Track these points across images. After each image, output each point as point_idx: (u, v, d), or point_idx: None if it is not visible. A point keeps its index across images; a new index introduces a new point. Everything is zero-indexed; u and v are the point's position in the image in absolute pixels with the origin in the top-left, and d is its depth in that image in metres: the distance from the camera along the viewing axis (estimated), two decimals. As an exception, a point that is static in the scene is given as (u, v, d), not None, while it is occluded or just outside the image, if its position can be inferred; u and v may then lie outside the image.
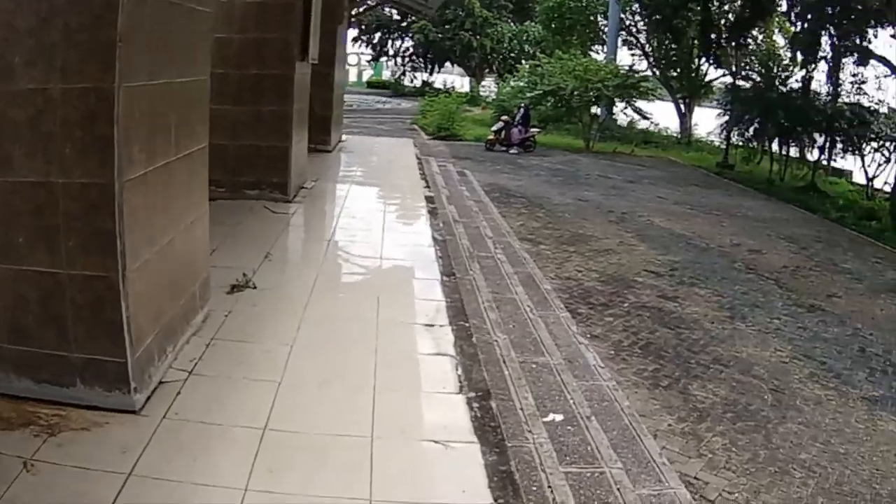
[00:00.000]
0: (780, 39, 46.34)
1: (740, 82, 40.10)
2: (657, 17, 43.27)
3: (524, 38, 69.36)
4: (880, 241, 22.51)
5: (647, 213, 21.16)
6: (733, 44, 41.50)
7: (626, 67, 42.00)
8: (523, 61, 61.47)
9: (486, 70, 75.00)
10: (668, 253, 16.91)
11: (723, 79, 48.78)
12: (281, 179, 16.00)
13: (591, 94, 36.56)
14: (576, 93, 36.34)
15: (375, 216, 16.31)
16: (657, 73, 49.04)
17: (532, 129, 34.35)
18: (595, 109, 39.74)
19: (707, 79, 50.41)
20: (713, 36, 42.13)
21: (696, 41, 47.16)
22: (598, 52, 53.61)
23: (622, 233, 18.42)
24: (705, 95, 51.78)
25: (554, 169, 28.95)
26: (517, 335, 9.98)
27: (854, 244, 21.40)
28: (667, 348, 11.03)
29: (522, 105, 35.35)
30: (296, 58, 15.64)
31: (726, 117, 37.85)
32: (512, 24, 73.10)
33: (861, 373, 11.13)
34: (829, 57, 33.48)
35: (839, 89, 33.47)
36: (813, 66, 33.96)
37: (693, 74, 49.18)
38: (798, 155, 34.93)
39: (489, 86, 72.24)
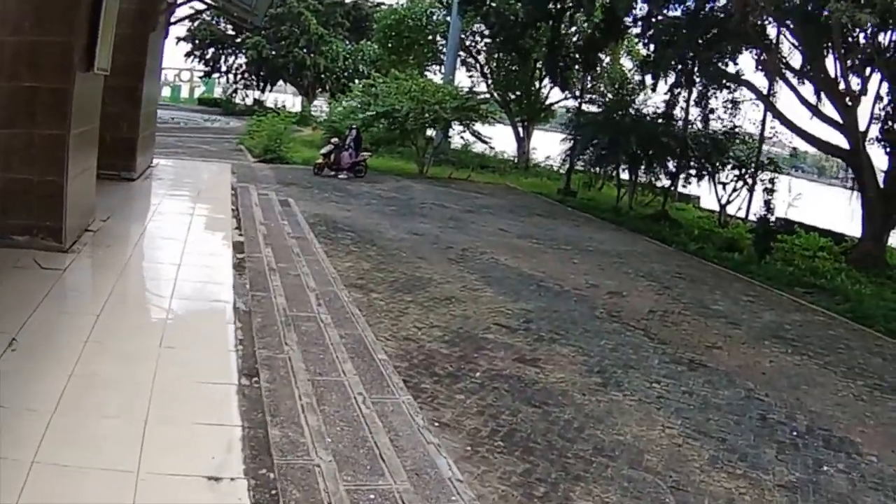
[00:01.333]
0: (627, 62, 46.53)
1: (586, 106, 38.65)
2: (502, 36, 41.08)
3: (359, 56, 67.65)
4: (746, 275, 21.37)
5: (490, 250, 19.41)
6: (579, 66, 39.77)
7: (466, 89, 40.24)
8: (356, 81, 59.97)
9: (320, 89, 72.97)
10: (518, 299, 14.92)
11: (564, 102, 48.24)
12: (55, 223, 12.51)
13: (428, 116, 34.61)
14: (411, 115, 34.37)
15: (166, 276, 12.15)
16: (496, 95, 47.31)
17: (363, 153, 32.40)
18: (430, 132, 37.88)
19: (548, 102, 49.61)
20: (560, 57, 39.97)
21: (538, 63, 46.05)
22: (435, 73, 52.10)
23: (465, 274, 16.44)
24: (545, 119, 50.83)
25: (386, 197, 27.37)
26: (346, 447, 7.19)
27: (720, 280, 20.19)
28: (535, 436, 8.79)
29: (353, 127, 33.29)
30: (76, 67, 12.26)
31: (570, 142, 36.82)
32: (347, 42, 70.70)
33: (768, 450, 9.39)
34: (682, 81, 32.58)
35: (705, 114, 33.03)
36: (678, 91, 32.98)
37: (533, 97, 47.80)
38: (644, 180, 33.85)
39: (321, 105, 70.61)
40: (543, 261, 18.94)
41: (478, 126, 38.42)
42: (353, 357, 9.77)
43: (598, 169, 35.74)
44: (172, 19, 22.23)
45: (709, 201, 35.43)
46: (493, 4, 41.25)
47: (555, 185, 37.42)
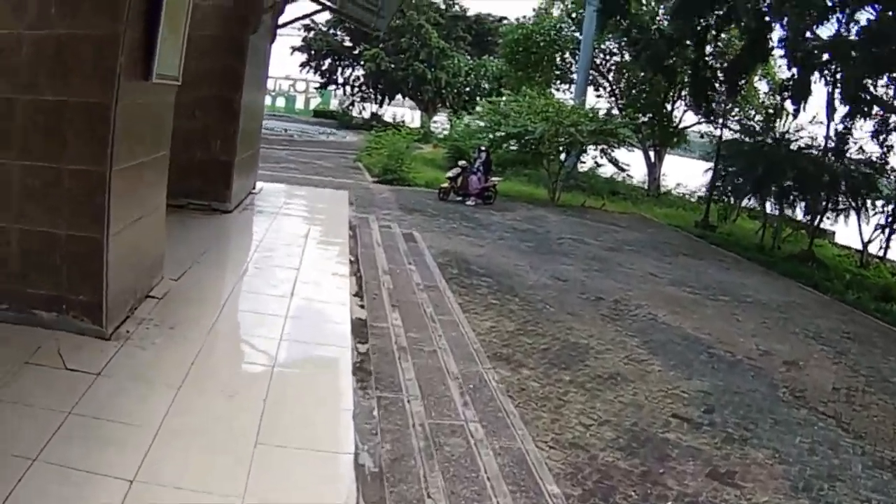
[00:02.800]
0: (762, 86, 44.43)
1: (727, 132, 35.62)
2: (645, 54, 38.16)
3: (482, 72, 65.49)
4: (915, 333, 18.59)
5: (644, 302, 16.82)
6: (724, 89, 36.83)
7: (603, 111, 37.46)
8: (479, 97, 58.20)
9: (439, 105, 70.85)
10: (692, 374, 12.34)
11: (697, 127, 45.71)
12: (91, 296, 8.67)
13: (563, 139, 31.92)
14: (545, 137, 31.89)
15: (251, 393, 8.04)
16: (625, 117, 44.59)
17: (493, 178, 29.98)
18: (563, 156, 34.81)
19: (680, 125, 47.02)
20: (704, 80, 37.07)
21: (670, 84, 43.44)
22: (564, 92, 49.83)
23: (624, 338, 13.83)
24: (678, 143, 47.75)
25: (520, 229, 24.59)
26: None
27: (890, 342, 17.45)
28: None
29: (483, 149, 30.82)
30: (123, 73, 8.33)
31: (713, 171, 34.03)
32: (469, 57, 68.72)
33: None
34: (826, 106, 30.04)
35: (845, 145, 30.06)
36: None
37: (665, 120, 44.85)
38: (779, 212, 31.61)
39: (441, 122, 68.57)
40: (705, 317, 16.48)
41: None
42: (516, 492, 7.20)
43: (736, 200, 33.96)
44: (280, 21, 20.18)
45: (845, 236, 33.64)
46: (638, 17, 38.89)
47: (690, 217, 34.99)
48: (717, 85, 38.08)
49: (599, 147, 34.61)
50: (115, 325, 8.90)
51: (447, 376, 9.77)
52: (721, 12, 32.41)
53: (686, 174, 44.97)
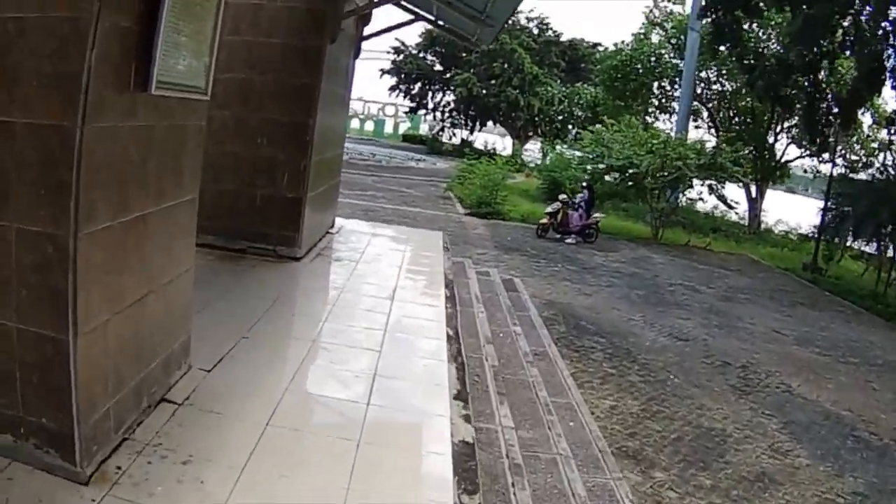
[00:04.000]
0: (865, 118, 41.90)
1: (835, 168, 33.66)
2: (761, 82, 35.96)
3: (575, 100, 63.24)
4: None
5: (774, 368, 15.07)
6: (838, 122, 34.56)
7: (710, 143, 35.31)
8: (571, 126, 59.07)
9: (531, 132, 69.08)
10: (842, 470, 10.60)
11: (800, 161, 44.78)
12: (56, 422, 5.63)
13: (670, 173, 29.87)
14: (650, 171, 30.10)
15: None
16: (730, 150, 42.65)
17: (595, 215, 28.16)
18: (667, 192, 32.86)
19: (783, 159, 45.13)
20: (822, 111, 34.80)
21: (783, 115, 41.55)
22: (660, 121, 48.61)
23: (761, 418, 12.07)
24: (780, 178, 45.68)
25: (626, 273, 22.76)
26: None
27: None
28: None
29: (586, 184, 29.18)
30: (100, 81, 5.19)
31: (828, 210, 31.66)
32: (562, 84, 66.84)
33: None
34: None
35: None
36: None
37: (767, 154, 42.74)
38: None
39: (533, 150, 67.01)
40: (840, 386, 14.68)
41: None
42: None
43: (841, 240, 31.50)
44: (366, 31, 17.67)
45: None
46: (751, 43, 37.12)
47: (796, 257, 32.83)
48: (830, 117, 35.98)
49: (706, 182, 32.49)
50: (96, 459, 5.89)
51: (572, 500, 7.88)
52: (839, 39, 30.31)
53: (787, 210, 43.36)
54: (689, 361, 14.36)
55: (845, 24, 29.38)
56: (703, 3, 33.33)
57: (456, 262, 17.21)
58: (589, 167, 33.92)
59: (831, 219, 30.95)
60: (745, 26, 36.20)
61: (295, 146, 13.97)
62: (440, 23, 18.71)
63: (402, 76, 74.65)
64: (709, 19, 33.57)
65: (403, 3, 17.51)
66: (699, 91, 45.93)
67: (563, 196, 28.91)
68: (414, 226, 24.62)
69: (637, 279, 22.05)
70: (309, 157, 14.05)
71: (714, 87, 46.68)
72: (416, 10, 17.52)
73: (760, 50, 37.49)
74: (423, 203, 32.47)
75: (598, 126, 35.81)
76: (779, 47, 36.66)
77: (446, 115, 76.45)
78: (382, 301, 11.88)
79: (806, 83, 33.45)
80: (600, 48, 67.41)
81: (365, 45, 16.97)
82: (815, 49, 30.39)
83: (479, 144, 70.72)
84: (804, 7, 28.29)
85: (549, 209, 28.05)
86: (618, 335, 15.23)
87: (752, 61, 36.23)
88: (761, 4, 31.16)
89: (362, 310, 11.32)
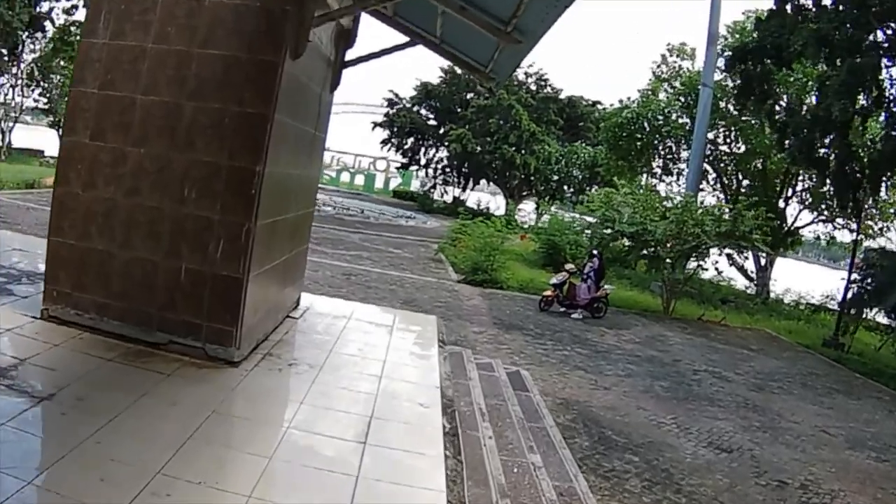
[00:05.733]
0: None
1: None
2: (793, 140, 33.38)
3: (573, 159, 61.18)
4: None
5: (837, 486, 12.75)
6: (868, 186, 31.91)
7: (729, 207, 32.55)
8: (566, 186, 60.31)
9: (525, 192, 67.03)
10: None
11: (813, 227, 43.50)
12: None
13: (687, 241, 27.11)
14: (666, 238, 27.81)
15: None
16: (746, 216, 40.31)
17: (605, 287, 25.59)
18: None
19: (794, 226, 43.54)
20: (855, 174, 32.19)
21: (789, 179, 41.06)
22: (665, 182, 46.99)
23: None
24: (793, 246, 43.86)
25: (644, 357, 20.21)
26: None
27: None
28: None
29: (596, 253, 26.53)
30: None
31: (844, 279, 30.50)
32: (559, 142, 64.76)
33: None
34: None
35: None
36: None
37: (778, 220, 40.26)
38: None
39: (526, 210, 64.91)
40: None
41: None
42: None
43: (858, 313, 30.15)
44: (350, 56, 14.56)
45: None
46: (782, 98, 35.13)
47: (813, 332, 30.93)
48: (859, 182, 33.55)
49: (724, 251, 29.80)
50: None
51: None
52: (874, 94, 27.78)
53: (793, 277, 42.40)
54: (740, 484, 11.83)
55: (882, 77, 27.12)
56: (730, 53, 31.31)
57: (453, 351, 14.45)
58: (589, 232, 32.32)
59: (856, 291, 29.35)
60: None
61: (236, 202, 10.49)
62: (445, 46, 14.86)
63: (395, 130, 73.66)
64: (734, 71, 31.66)
65: (399, 18, 14.46)
66: (707, 152, 43.74)
67: (569, 265, 26.60)
68: (401, 294, 22.71)
69: (657, 365, 19.60)
70: (254, 219, 10.48)
71: (721, 147, 44.35)
72: (416, 27, 14.54)
73: (795, 106, 35.01)
74: (413, 266, 30.46)
75: (606, 188, 33.69)
76: (812, 102, 34.11)
77: (439, 171, 75.18)
78: (349, 450, 8.23)
79: (841, 142, 30.89)
80: (600, 106, 66.25)
81: (356, 96, 14.17)
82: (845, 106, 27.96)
83: (471, 203, 69.82)
84: (848, 57, 25.93)
85: (554, 280, 25.53)
86: (652, 449, 12.59)
87: (785, 118, 33.65)
88: (796, 54, 28.71)
89: (315, 468, 7.69)
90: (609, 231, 29.51)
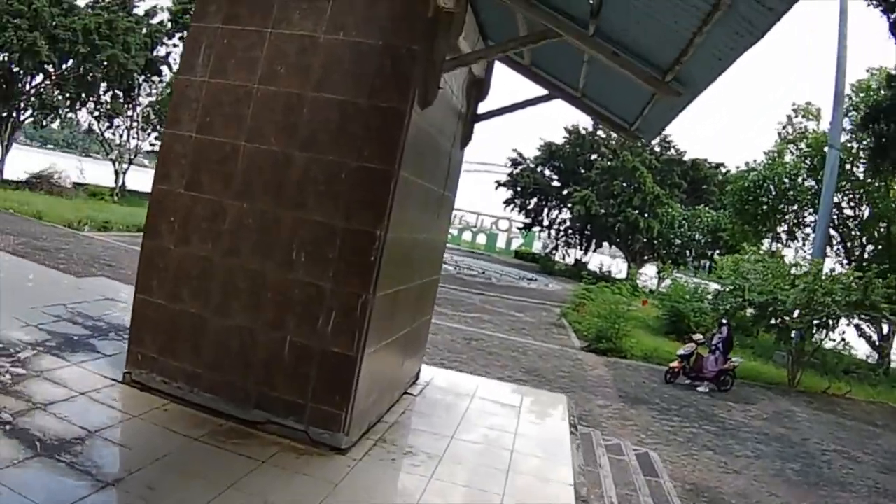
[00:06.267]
0: None
1: None
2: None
3: (696, 223, 60.35)
4: None
5: None
6: None
7: (858, 275, 31.67)
8: (689, 252, 59.52)
9: (647, 256, 66.22)
10: None
11: None
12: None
13: (818, 312, 26.44)
14: (797, 308, 26.88)
15: None
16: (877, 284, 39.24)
17: (733, 360, 24.73)
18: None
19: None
20: None
21: None
22: (789, 248, 45.82)
23: None
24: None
25: (772, 436, 19.35)
26: None
27: None
28: None
29: (725, 322, 25.77)
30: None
31: None
32: (682, 206, 64.29)
33: None
34: None
35: None
36: None
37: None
38: None
39: (647, 274, 64.12)
40: None
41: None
42: None
43: None
44: (482, 108, 13.67)
45: None
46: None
47: None
48: None
49: (852, 322, 29.01)
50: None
51: None
52: None
53: None
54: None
55: None
56: (864, 113, 30.69)
57: (582, 431, 13.73)
58: (711, 299, 31.73)
59: None
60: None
61: (352, 270, 9.55)
62: (587, 101, 13.58)
63: (518, 190, 73.40)
64: (866, 132, 31.00)
65: (536, 68, 13.41)
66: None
67: (697, 336, 25.83)
68: (524, 363, 22.30)
69: (786, 444, 18.76)
70: (372, 290, 9.49)
71: (846, 211, 43.35)
72: (554, 79, 13.45)
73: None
74: (535, 332, 29.90)
75: (735, 255, 33.08)
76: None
77: (561, 233, 74.43)
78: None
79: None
80: (723, 168, 65.27)
81: (482, 154, 13.39)
82: None
83: (592, 266, 68.96)
84: None
85: (681, 351, 24.83)
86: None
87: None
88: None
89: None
90: (737, 300, 28.98)
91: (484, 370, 19.59)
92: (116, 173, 53.32)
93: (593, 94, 13.36)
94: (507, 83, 12.59)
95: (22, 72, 47.14)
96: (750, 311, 29.07)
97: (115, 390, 9.74)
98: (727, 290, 30.52)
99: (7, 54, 45.28)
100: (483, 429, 11.78)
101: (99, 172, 56.18)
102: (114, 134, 56.13)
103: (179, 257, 10.06)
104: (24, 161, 51.03)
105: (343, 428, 9.40)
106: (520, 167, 74.38)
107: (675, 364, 24.32)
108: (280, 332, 9.60)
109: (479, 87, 13.29)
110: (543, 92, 13.56)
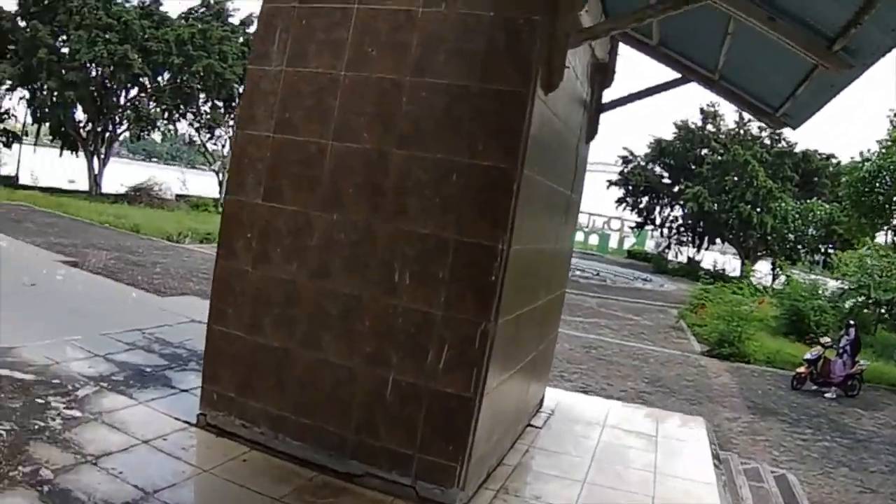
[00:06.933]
0: None
1: None
2: None
3: (809, 217, 58.60)
4: None
5: None
6: None
7: None
8: (801, 246, 58.24)
9: (761, 252, 64.54)
10: None
11: None
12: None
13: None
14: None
15: None
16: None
17: (861, 363, 23.18)
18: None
19: None
20: None
21: None
22: None
23: None
24: None
25: None
26: None
27: None
28: None
29: (852, 323, 24.20)
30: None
31: None
32: (794, 199, 62.51)
33: None
34: None
35: None
36: None
37: None
38: None
39: (760, 271, 62.72)
40: None
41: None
42: None
43: None
44: (605, 97, 12.12)
45: None
46: None
47: None
48: None
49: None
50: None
51: None
52: None
53: None
54: None
55: None
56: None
57: (722, 456, 12.32)
58: (850, 300, 29.96)
59: None
60: None
61: (468, 293, 7.97)
62: (724, 83, 11.89)
63: (630, 188, 72.65)
64: None
65: (665, 48, 11.71)
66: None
67: (826, 339, 24.39)
68: (646, 371, 21.27)
69: None
70: (493, 316, 7.86)
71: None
72: (686, 59, 11.72)
73: None
74: (654, 336, 28.85)
75: (858, 250, 31.74)
76: None
77: (673, 231, 73.29)
78: None
79: None
80: (833, 160, 63.72)
81: (591, 153, 11.90)
82: None
83: (705, 264, 67.59)
84: None
85: (808, 355, 23.31)
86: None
87: None
88: None
89: None
90: (862, 298, 27.70)
91: (606, 382, 18.64)
92: (220, 184, 53.20)
93: (733, 76, 11.56)
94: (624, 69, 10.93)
95: (116, 85, 47.38)
96: (879, 310, 27.74)
97: (185, 436, 8.49)
98: (851, 287, 29.18)
99: (101, 68, 45.53)
100: (618, 467, 10.36)
101: (203, 184, 56.35)
102: (215, 144, 56.36)
103: (258, 280, 8.67)
104: (122, 174, 51.36)
105: (458, 482, 8.02)
106: (630, 165, 73.56)
107: (802, 369, 22.92)
108: (381, 369, 8.18)
109: (603, 73, 11.73)
110: (674, 76, 11.95)
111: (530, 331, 9.87)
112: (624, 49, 12.24)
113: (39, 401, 8.59)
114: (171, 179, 51.77)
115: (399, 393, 8.05)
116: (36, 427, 7.89)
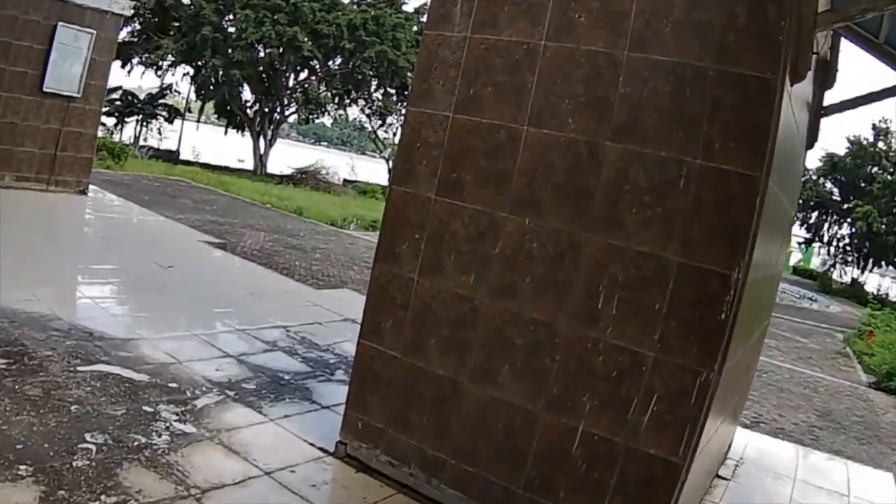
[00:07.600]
0: None
1: None
2: None
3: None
4: None
5: None
6: None
7: None
8: None
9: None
10: None
11: None
12: None
13: None
14: None
15: None
16: None
17: None
18: None
19: None
20: None
21: None
22: None
23: None
24: None
25: None
26: None
27: None
28: None
29: None
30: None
31: None
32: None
33: None
34: None
35: None
36: None
37: None
38: None
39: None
40: None
41: None
42: None
43: None
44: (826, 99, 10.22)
45: None
46: None
47: None
48: None
49: None
50: None
51: None
52: None
53: None
54: None
55: None
56: None
57: None
58: None
59: None
60: None
61: (690, 331, 6.17)
62: None
63: (800, 202, 69.80)
64: None
65: (891, 47, 9.64)
66: None
67: None
68: (816, 403, 19.79)
69: None
70: (718, 363, 6.06)
71: None
72: None
73: None
74: (822, 362, 27.20)
75: None
76: None
77: (839, 249, 71.11)
78: None
79: None
80: None
81: None
82: None
83: (869, 286, 65.66)
84: None
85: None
86: None
87: None
88: None
89: None
90: None
91: (777, 412, 17.38)
92: (389, 171, 53.24)
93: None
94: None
95: (284, 66, 47.62)
96: None
97: (319, 467, 7.19)
98: None
99: (269, 49, 46.16)
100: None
101: (372, 170, 56.27)
102: (386, 133, 56.41)
103: (426, 293, 7.19)
104: (289, 156, 51.53)
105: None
106: (802, 178, 71.28)
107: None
108: (568, 417, 6.54)
109: (825, 72, 9.81)
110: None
111: (739, 372, 8.15)
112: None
113: (147, 409, 7.42)
114: (340, 164, 52.12)
115: (588, 448, 6.43)
116: (135, 444, 6.63)
